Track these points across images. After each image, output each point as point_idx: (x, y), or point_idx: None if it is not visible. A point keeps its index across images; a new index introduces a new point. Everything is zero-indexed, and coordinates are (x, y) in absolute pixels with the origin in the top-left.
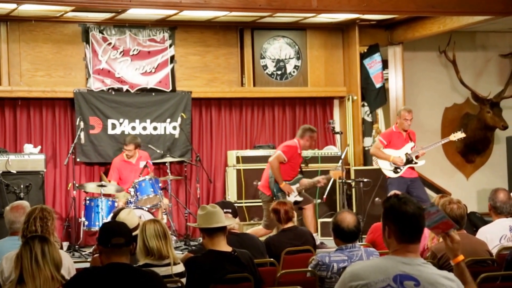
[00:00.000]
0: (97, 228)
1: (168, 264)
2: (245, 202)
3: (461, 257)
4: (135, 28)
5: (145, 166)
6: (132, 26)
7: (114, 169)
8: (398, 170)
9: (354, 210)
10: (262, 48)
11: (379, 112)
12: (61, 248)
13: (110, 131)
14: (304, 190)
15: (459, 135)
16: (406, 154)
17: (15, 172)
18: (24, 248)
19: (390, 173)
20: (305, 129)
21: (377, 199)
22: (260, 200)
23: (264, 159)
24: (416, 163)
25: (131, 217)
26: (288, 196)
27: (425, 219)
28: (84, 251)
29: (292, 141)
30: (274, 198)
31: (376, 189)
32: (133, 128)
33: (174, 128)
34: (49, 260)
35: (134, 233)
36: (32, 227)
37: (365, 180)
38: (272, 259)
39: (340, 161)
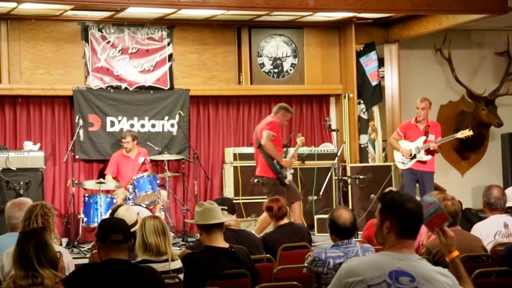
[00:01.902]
0: (95, 225)
1: (166, 260)
2: (242, 199)
3: (456, 253)
4: (133, 27)
5: (143, 163)
6: (130, 24)
7: (112, 163)
8: (404, 162)
9: (350, 207)
10: (259, 46)
11: (375, 109)
12: (61, 244)
13: (108, 129)
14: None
15: (466, 132)
16: (417, 147)
17: (15, 169)
18: (19, 252)
19: (400, 165)
20: (280, 107)
21: (372, 195)
22: (256, 197)
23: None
24: (421, 157)
25: (129, 213)
26: (288, 170)
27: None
28: (83, 247)
29: (267, 118)
30: (279, 175)
31: (372, 185)
32: (132, 125)
33: (172, 125)
34: (45, 264)
35: (132, 230)
36: (33, 224)
37: (361, 177)
38: (268, 255)
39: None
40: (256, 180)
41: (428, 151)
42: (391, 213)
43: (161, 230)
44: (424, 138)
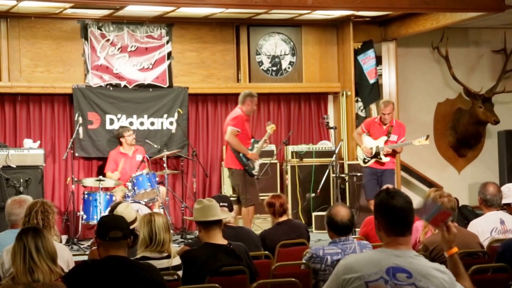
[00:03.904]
0: (95, 222)
1: (165, 257)
2: None
3: (455, 249)
4: (132, 25)
5: (142, 161)
6: (130, 22)
7: (110, 160)
8: (366, 160)
9: (348, 204)
10: (257, 45)
11: (373, 107)
12: (60, 241)
13: (108, 126)
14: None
15: (423, 141)
16: (377, 147)
17: (14, 166)
18: (18, 244)
19: (360, 161)
20: (245, 95)
21: None
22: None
23: (259, 154)
24: (380, 158)
25: (129, 211)
26: (255, 162)
27: (423, 213)
28: (83, 244)
29: (235, 111)
30: (246, 167)
31: None
32: (131, 123)
33: (171, 123)
34: (44, 255)
35: (131, 227)
36: (33, 220)
37: (359, 174)
38: (267, 252)
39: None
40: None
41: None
42: (379, 212)
43: (168, 227)
44: (385, 138)
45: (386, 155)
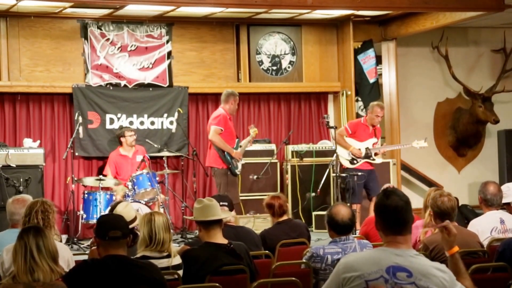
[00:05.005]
0: (95, 221)
1: (166, 257)
2: (241, 196)
3: (456, 249)
4: (132, 24)
5: (142, 160)
6: (129, 22)
7: (110, 163)
8: (355, 161)
9: (348, 203)
10: (257, 44)
11: None
12: (60, 241)
13: (108, 126)
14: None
15: (421, 143)
16: (367, 148)
17: (14, 166)
18: (19, 243)
19: (346, 163)
20: (228, 94)
21: None
22: (255, 194)
23: (260, 153)
24: (373, 159)
25: (128, 210)
26: (239, 161)
27: None
28: (83, 244)
29: (218, 110)
30: (230, 166)
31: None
32: (131, 122)
33: (171, 123)
34: (45, 254)
35: (131, 226)
36: (34, 220)
37: (359, 173)
38: (267, 251)
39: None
40: (255, 177)
41: (376, 154)
42: (376, 212)
43: (168, 226)
44: (374, 140)
45: (376, 155)
